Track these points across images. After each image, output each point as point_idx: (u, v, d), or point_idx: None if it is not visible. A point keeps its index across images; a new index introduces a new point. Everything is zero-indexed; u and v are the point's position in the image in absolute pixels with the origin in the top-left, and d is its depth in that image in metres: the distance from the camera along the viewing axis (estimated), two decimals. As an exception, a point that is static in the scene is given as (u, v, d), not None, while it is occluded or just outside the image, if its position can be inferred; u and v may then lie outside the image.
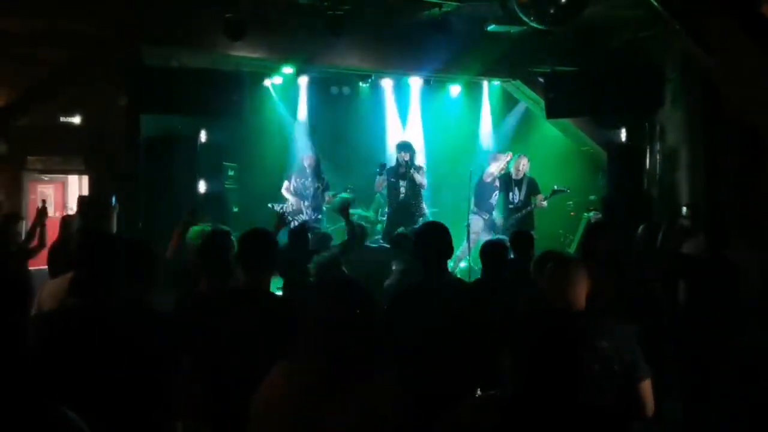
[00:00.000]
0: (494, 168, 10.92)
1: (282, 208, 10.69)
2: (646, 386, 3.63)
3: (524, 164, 10.97)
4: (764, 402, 4.93)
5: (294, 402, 2.68)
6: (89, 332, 3.24)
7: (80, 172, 9.98)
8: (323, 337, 2.73)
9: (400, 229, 7.73)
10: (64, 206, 10.19)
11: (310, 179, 10.80)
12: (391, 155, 12.16)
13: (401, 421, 2.73)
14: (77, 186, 10.37)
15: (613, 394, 3.50)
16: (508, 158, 10.85)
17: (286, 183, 10.80)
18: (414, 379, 4.21)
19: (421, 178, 10.54)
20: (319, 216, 10.96)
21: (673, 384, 5.60)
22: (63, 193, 10.75)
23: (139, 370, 3.24)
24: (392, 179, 10.66)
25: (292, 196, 10.72)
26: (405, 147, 10.73)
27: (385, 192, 11.02)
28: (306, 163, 11.01)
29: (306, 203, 10.64)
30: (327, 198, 10.92)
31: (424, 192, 10.78)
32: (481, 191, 11.10)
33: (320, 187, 10.84)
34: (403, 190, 10.60)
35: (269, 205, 10.75)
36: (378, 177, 10.71)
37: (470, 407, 2.70)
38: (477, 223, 10.92)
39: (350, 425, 2.63)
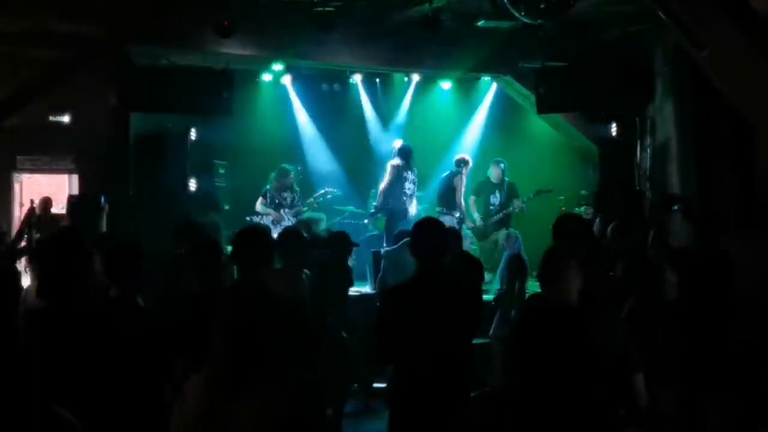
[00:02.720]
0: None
1: (261, 218, 10.72)
2: (639, 379, 3.64)
3: (500, 170, 11.24)
4: (758, 395, 4.94)
5: (201, 403, 2.68)
6: (56, 334, 3.21)
7: (70, 172, 9.93)
8: (227, 339, 2.73)
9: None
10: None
11: (287, 192, 10.86)
12: (383, 151, 12.24)
13: (308, 420, 2.72)
14: (67, 185, 10.30)
15: (606, 388, 3.50)
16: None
17: (261, 199, 10.81)
18: (408, 373, 4.23)
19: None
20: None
21: (668, 377, 5.61)
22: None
23: (123, 370, 3.21)
24: (393, 181, 10.70)
25: (269, 209, 10.76)
26: (405, 152, 10.79)
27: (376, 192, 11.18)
28: (286, 181, 10.98)
29: (285, 210, 10.68)
30: (310, 202, 11.01)
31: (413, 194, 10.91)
32: (445, 191, 11.14)
33: (296, 196, 10.91)
34: (407, 190, 10.77)
35: (247, 218, 10.75)
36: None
37: (475, 400, 2.71)
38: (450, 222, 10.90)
39: (255, 425, 2.63)
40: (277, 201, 10.76)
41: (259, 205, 10.82)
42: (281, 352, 2.76)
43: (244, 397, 2.66)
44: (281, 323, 2.80)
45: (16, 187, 9.98)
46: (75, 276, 3.42)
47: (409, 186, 10.62)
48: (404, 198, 10.58)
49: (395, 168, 10.57)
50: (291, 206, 10.77)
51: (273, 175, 10.86)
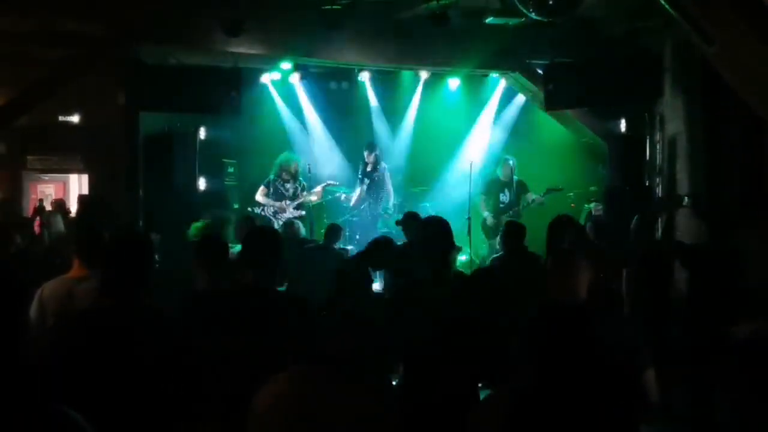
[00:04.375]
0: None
1: (263, 210, 10.73)
2: (649, 376, 3.63)
3: (509, 168, 11.34)
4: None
5: (292, 405, 2.70)
6: (120, 334, 3.19)
7: (79, 171, 9.97)
8: (325, 344, 2.77)
9: None
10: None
11: (291, 182, 10.86)
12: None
13: (395, 420, 2.75)
14: (77, 185, 10.36)
15: (617, 385, 3.49)
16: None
17: (263, 188, 10.83)
18: (415, 372, 4.23)
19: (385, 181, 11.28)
20: (303, 212, 11.03)
21: (679, 374, 5.59)
22: (64, 192, 10.75)
23: (152, 373, 3.21)
24: (359, 176, 11.42)
25: (270, 200, 10.77)
26: (369, 147, 11.49)
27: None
28: (292, 169, 11.02)
29: (287, 202, 10.70)
30: (312, 194, 11.09)
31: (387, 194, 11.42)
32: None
33: (300, 187, 10.93)
34: (365, 188, 11.47)
35: (248, 209, 10.83)
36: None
37: (485, 402, 2.73)
38: None
39: (348, 427, 2.65)
40: (279, 191, 10.76)
41: (259, 195, 10.85)
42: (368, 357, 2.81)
43: (337, 400, 2.71)
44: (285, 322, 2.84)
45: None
46: (145, 275, 3.43)
47: None
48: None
49: None
50: (293, 197, 10.77)
51: (277, 162, 10.90)
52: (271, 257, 4.08)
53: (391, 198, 11.45)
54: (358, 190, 11.54)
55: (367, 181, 11.26)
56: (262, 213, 10.70)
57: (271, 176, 10.84)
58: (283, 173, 10.81)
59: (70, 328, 3.28)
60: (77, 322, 3.35)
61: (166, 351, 3.22)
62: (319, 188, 11.03)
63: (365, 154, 11.42)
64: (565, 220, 5.97)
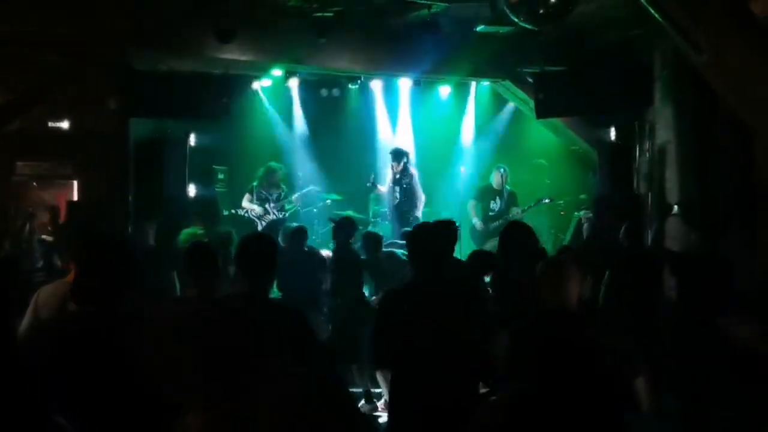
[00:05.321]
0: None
1: (246, 212, 10.95)
2: (641, 382, 3.64)
3: (501, 177, 11.44)
4: (762, 398, 4.93)
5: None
6: (92, 341, 3.12)
7: (69, 178, 9.90)
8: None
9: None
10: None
11: (275, 189, 11.07)
12: (383, 158, 12.35)
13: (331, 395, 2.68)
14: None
15: (610, 391, 3.50)
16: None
17: (248, 196, 11.08)
18: (406, 376, 4.23)
19: (415, 187, 11.20)
20: (285, 215, 11.36)
21: (671, 380, 5.60)
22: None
23: (136, 380, 3.18)
24: (390, 185, 11.34)
25: (254, 205, 10.99)
26: (395, 155, 11.34)
27: (376, 196, 11.86)
28: (273, 178, 11.19)
29: (271, 205, 10.92)
30: (294, 198, 11.43)
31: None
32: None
33: (282, 192, 11.12)
34: (397, 195, 11.25)
35: (232, 210, 11.05)
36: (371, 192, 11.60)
37: (486, 407, 2.72)
38: None
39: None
40: (263, 196, 10.96)
41: (245, 201, 11.15)
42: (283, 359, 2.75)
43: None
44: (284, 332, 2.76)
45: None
46: (122, 280, 3.35)
47: None
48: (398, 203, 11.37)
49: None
50: (277, 201, 10.99)
51: (260, 172, 11.10)
52: (266, 266, 4.06)
53: (422, 204, 11.47)
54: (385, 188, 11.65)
55: (398, 188, 11.26)
56: (245, 215, 10.94)
57: (255, 183, 11.07)
58: (267, 183, 11.06)
59: (40, 335, 3.24)
60: (46, 328, 3.30)
61: (139, 359, 3.18)
62: (297, 196, 11.29)
63: (392, 164, 11.37)
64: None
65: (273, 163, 11.46)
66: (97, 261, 3.33)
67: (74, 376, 2.99)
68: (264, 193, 10.99)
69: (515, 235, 5.54)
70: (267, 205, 10.98)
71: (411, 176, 11.27)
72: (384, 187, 11.55)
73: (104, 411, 2.95)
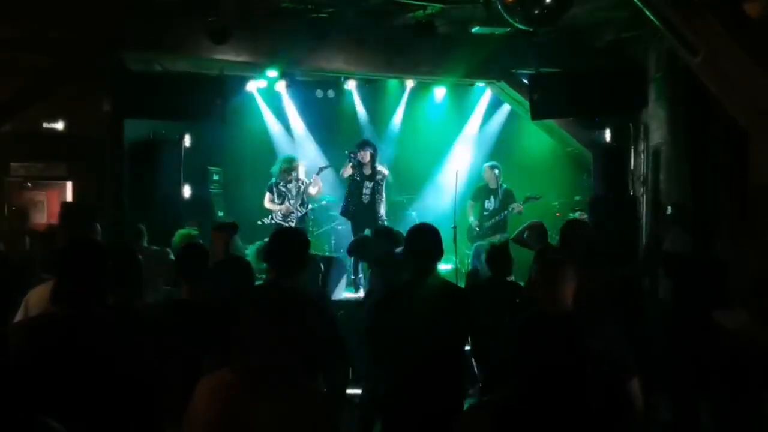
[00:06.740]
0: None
1: (271, 218, 10.64)
2: (634, 385, 3.63)
3: (494, 174, 11.22)
4: (753, 402, 4.94)
5: (219, 406, 2.67)
6: (70, 342, 3.14)
7: (63, 179, 9.88)
8: (255, 345, 2.73)
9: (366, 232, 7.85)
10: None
11: (293, 183, 10.73)
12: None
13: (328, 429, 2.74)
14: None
15: (603, 395, 3.50)
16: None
17: (268, 195, 10.71)
18: (396, 378, 4.23)
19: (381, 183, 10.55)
20: (306, 209, 10.90)
21: (663, 382, 5.61)
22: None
23: (123, 380, 3.17)
24: (357, 177, 10.52)
25: (277, 204, 10.67)
26: (364, 145, 10.59)
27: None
28: (291, 169, 10.88)
29: (292, 202, 10.62)
30: (311, 181, 10.80)
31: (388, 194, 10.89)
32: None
33: (301, 185, 10.79)
34: (367, 192, 10.51)
35: (259, 222, 10.69)
36: (347, 162, 10.57)
37: (472, 411, 2.72)
38: None
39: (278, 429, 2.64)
40: (282, 193, 10.69)
41: (267, 202, 10.72)
42: (309, 357, 2.76)
43: (270, 401, 2.66)
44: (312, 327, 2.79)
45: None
46: (102, 283, 3.37)
47: None
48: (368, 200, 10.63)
49: None
50: (296, 196, 10.67)
51: (276, 168, 10.74)
52: (291, 258, 4.14)
53: (383, 206, 10.78)
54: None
55: (369, 185, 10.47)
56: (272, 221, 10.58)
57: (273, 180, 10.73)
58: (284, 174, 10.68)
59: (19, 337, 3.24)
60: (25, 331, 3.31)
61: (121, 360, 3.18)
62: (315, 177, 10.82)
63: (360, 153, 10.41)
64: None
65: (288, 155, 11.19)
66: (74, 264, 3.35)
67: (52, 377, 3.00)
68: (283, 190, 10.72)
69: (575, 228, 5.71)
70: (288, 203, 10.65)
71: (384, 175, 10.58)
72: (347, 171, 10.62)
73: (84, 413, 2.95)
